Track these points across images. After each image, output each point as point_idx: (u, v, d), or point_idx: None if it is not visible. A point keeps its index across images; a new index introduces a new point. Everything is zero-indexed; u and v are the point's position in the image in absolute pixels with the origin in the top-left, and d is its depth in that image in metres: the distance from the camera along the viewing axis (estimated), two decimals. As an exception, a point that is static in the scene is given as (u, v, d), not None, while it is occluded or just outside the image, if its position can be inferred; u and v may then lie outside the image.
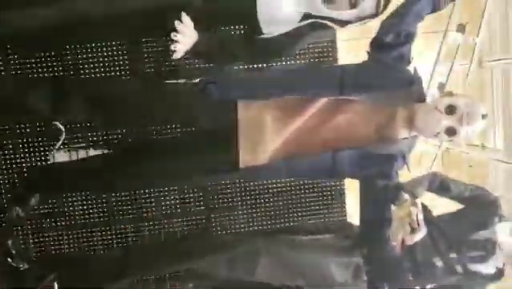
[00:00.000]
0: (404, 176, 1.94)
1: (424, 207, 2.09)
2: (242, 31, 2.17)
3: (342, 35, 2.55)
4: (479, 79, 4.30)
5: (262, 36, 1.94)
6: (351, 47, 2.75)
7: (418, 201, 1.77)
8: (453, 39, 3.65)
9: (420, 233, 1.72)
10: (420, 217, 1.71)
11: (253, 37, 1.96)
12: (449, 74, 3.67)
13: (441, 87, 3.60)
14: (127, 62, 2.58)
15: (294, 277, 2.04)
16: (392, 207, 1.81)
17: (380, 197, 1.82)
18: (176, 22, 1.76)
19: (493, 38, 4.28)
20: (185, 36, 1.79)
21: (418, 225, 1.69)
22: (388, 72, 1.77)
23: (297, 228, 2.58)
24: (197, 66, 2.50)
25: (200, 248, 2.12)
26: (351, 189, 2.80)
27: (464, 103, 1.66)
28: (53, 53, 2.48)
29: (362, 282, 2.09)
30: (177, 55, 1.82)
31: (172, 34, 1.76)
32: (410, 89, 1.76)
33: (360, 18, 1.86)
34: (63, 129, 2.63)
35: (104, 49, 2.54)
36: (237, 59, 2.13)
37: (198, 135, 2.02)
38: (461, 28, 3.60)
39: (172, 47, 1.78)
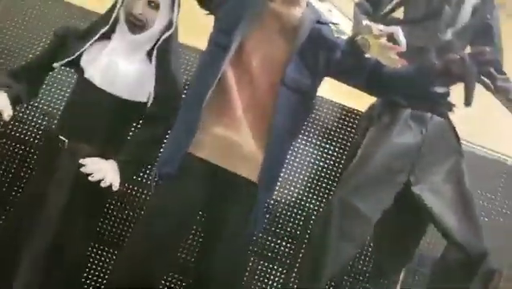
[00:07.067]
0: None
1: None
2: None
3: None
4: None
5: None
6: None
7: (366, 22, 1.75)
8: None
9: (399, 33, 1.67)
10: (381, 27, 1.69)
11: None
12: None
13: None
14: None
15: None
16: (367, 55, 1.73)
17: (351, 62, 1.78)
18: (82, 161, 1.75)
19: None
20: (102, 171, 1.76)
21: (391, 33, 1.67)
22: None
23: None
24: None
25: None
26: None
27: None
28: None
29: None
30: (116, 185, 1.79)
31: (90, 177, 1.73)
32: None
33: None
34: None
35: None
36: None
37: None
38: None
39: (103, 184, 1.74)
